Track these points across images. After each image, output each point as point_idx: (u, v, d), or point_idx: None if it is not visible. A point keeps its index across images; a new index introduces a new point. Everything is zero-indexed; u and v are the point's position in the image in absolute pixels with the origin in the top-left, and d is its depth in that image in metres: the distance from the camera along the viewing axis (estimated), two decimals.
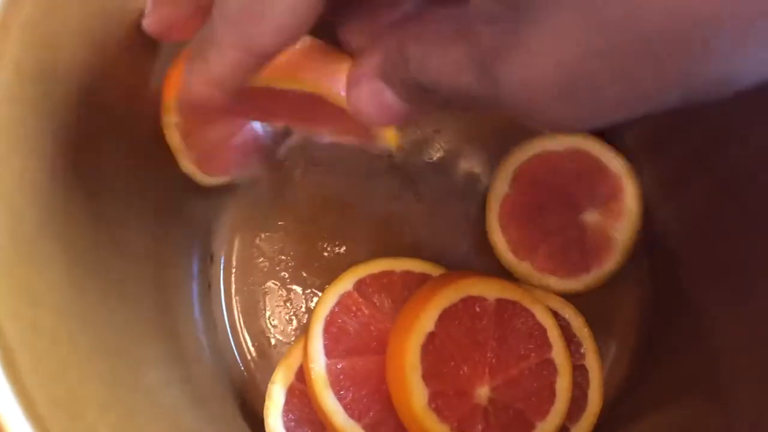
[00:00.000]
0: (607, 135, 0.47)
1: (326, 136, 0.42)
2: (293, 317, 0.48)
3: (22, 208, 0.28)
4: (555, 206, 0.47)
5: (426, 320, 0.40)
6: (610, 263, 0.46)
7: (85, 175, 0.33)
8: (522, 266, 0.46)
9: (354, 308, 0.43)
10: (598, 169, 0.47)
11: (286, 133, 0.50)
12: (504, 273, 0.47)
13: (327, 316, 0.42)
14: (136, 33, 0.35)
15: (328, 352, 0.41)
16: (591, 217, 0.47)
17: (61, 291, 0.30)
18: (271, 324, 0.48)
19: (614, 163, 0.46)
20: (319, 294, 0.48)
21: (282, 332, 0.48)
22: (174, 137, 0.40)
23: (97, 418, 0.28)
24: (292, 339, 0.48)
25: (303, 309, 0.48)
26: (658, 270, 0.47)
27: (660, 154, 0.45)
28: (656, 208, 0.46)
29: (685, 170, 0.43)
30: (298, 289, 0.48)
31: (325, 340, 0.41)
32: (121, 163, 0.37)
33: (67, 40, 0.31)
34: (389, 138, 0.47)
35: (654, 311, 0.47)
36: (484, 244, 0.47)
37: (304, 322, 0.48)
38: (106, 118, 0.35)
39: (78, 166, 0.32)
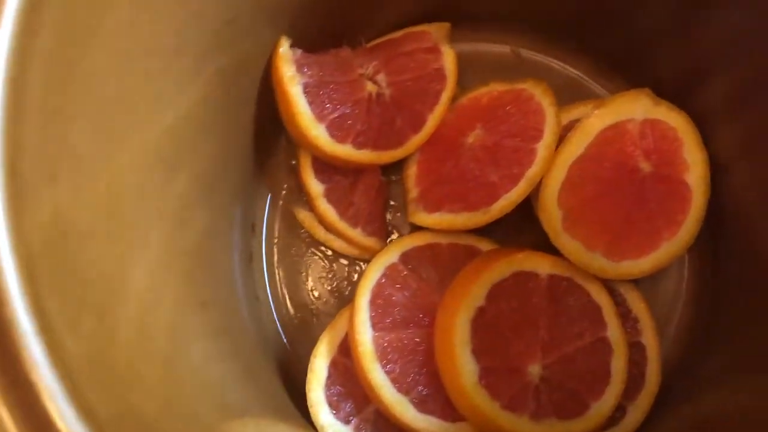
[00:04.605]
0: (680, 99, 0.44)
1: None
2: (336, 289, 0.47)
3: None
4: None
5: (476, 294, 0.38)
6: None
7: None
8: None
9: (400, 280, 0.41)
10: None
11: None
12: (553, 249, 0.45)
13: (373, 288, 0.41)
14: None
15: (375, 325, 0.40)
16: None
17: None
18: (313, 296, 0.47)
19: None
20: (363, 266, 0.47)
21: (325, 304, 0.47)
22: None
23: (145, 397, 0.27)
24: (335, 312, 0.47)
25: (346, 281, 0.47)
26: (722, 243, 0.44)
27: (735, 119, 0.42)
28: (724, 181, 0.43)
29: (761, 134, 0.40)
30: (342, 261, 0.47)
31: (371, 312, 0.40)
32: None
33: None
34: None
35: (715, 287, 0.45)
36: (532, 219, 0.45)
37: (347, 294, 0.47)
38: None
39: None
